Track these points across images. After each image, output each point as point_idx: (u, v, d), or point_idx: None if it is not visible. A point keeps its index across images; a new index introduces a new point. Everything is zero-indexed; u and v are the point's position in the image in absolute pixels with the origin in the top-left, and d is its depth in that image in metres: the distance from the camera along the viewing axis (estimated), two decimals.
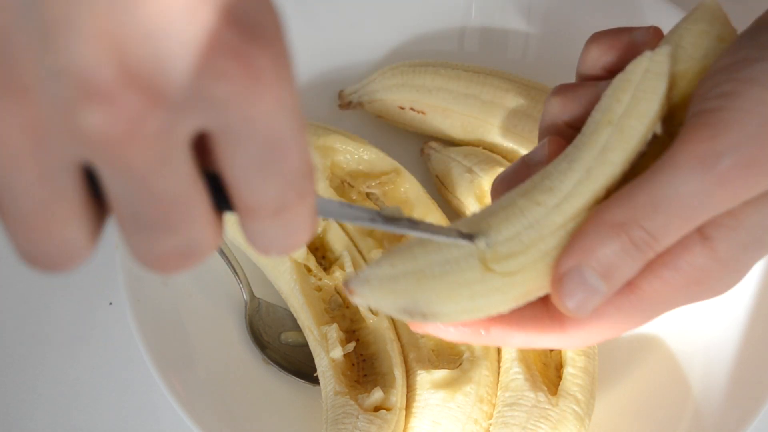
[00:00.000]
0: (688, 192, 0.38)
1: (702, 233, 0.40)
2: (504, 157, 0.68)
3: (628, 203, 0.40)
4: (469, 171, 0.66)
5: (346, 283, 0.41)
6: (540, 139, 0.48)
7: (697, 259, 0.40)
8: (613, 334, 0.43)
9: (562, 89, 0.48)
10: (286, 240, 0.32)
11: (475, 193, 0.66)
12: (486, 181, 0.65)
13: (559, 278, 0.41)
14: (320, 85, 0.75)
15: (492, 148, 0.69)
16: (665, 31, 0.48)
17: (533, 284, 0.42)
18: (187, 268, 0.31)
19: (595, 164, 0.42)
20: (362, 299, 0.41)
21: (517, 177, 0.46)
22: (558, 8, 0.73)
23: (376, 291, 0.40)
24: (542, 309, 0.44)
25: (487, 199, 0.65)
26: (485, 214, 0.43)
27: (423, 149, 0.71)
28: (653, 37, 0.47)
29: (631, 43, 0.47)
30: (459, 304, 0.41)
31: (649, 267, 0.41)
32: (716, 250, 0.40)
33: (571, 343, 0.44)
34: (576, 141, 0.44)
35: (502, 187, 0.47)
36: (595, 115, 0.44)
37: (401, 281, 0.40)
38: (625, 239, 0.39)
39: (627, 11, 0.71)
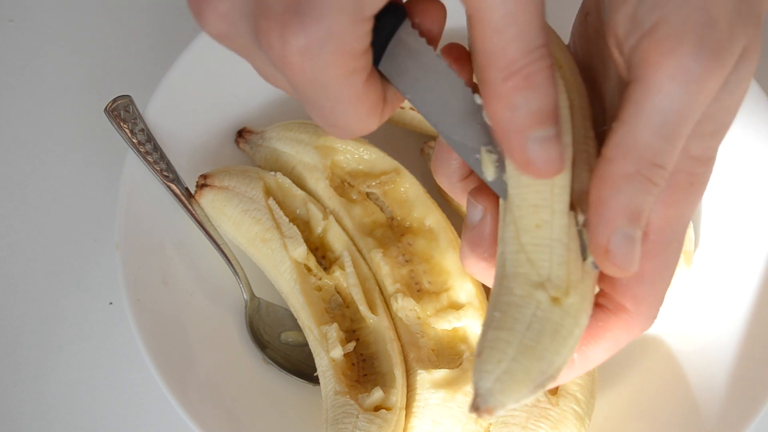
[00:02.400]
0: (677, 109, 0.39)
1: None
2: None
3: (631, 149, 0.40)
4: None
5: (476, 410, 0.41)
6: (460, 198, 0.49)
7: (678, 166, 0.42)
8: (666, 284, 0.44)
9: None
10: None
11: None
12: None
13: (604, 251, 0.41)
14: None
15: None
16: None
17: (593, 282, 0.43)
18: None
19: None
20: (503, 408, 0.41)
21: (476, 242, 0.46)
22: (561, 9, 0.73)
23: (507, 393, 0.41)
24: (596, 313, 0.44)
25: None
26: (517, 274, 0.43)
27: (423, 149, 0.71)
28: None
29: None
30: (568, 345, 0.42)
31: None
32: (687, 149, 0.42)
33: (643, 320, 0.44)
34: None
35: (474, 260, 0.47)
36: None
37: (518, 369, 0.41)
38: (643, 181, 0.40)
39: None
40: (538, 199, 0.42)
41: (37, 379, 0.69)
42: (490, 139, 0.43)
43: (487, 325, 0.42)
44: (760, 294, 0.62)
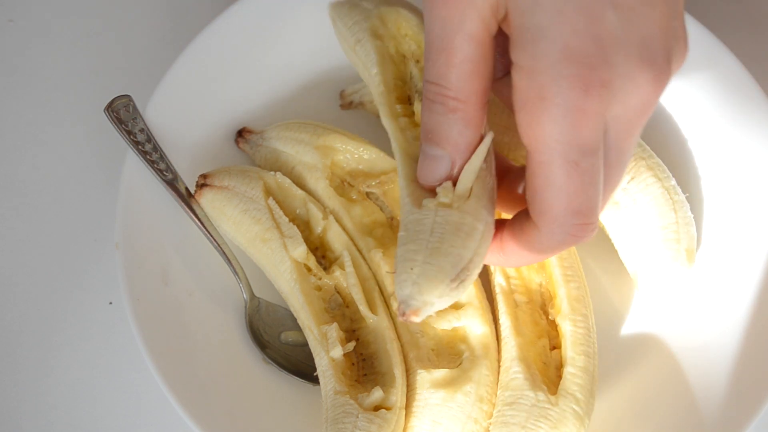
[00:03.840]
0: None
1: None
2: (506, 155, 0.68)
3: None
4: None
5: (402, 315, 0.46)
6: None
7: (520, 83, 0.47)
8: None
9: None
10: None
11: None
12: None
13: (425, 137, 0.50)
14: (321, 85, 0.75)
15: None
16: None
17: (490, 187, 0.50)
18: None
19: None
20: (428, 307, 0.46)
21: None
22: None
23: (426, 292, 0.45)
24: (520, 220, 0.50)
25: None
26: None
27: None
28: None
29: None
30: (473, 239, 0.47)
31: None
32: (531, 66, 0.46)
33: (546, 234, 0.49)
34: None
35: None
36: None
37: (430, 269, 0.45)
38: (427, 100, 0.47)
39: None
40: None
41: (37, 379, 0.69)
42: None
43: (398, 245, 0.47)
44: (760, 293, 0.62)
